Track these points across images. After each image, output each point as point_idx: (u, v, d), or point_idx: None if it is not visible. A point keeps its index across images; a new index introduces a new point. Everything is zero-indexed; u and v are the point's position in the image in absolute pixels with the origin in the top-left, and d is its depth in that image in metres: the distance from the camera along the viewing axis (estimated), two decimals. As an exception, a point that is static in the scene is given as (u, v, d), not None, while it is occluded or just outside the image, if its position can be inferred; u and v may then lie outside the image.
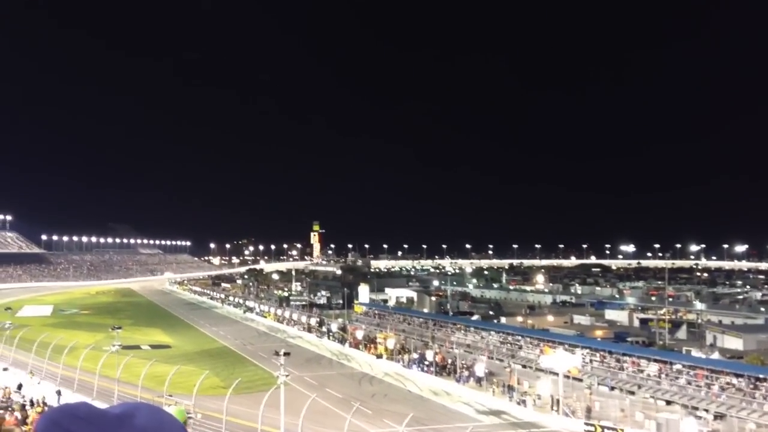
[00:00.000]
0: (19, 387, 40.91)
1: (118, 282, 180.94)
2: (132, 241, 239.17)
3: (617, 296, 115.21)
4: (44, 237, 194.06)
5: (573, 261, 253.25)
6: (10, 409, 24.26)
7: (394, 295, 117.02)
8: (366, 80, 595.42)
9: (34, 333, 56.82)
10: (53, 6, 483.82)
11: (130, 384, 42.50)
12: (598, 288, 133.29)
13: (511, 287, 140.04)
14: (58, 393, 41.10)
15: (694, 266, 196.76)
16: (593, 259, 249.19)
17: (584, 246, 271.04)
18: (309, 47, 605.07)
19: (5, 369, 47.52)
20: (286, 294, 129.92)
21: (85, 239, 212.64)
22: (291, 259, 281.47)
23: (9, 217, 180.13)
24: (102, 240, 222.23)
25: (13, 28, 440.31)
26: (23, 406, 28.22)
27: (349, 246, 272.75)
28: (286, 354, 43.22)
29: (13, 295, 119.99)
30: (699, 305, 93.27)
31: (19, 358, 50.93)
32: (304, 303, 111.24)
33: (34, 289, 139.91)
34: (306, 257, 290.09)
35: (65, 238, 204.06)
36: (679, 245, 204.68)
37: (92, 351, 49.96)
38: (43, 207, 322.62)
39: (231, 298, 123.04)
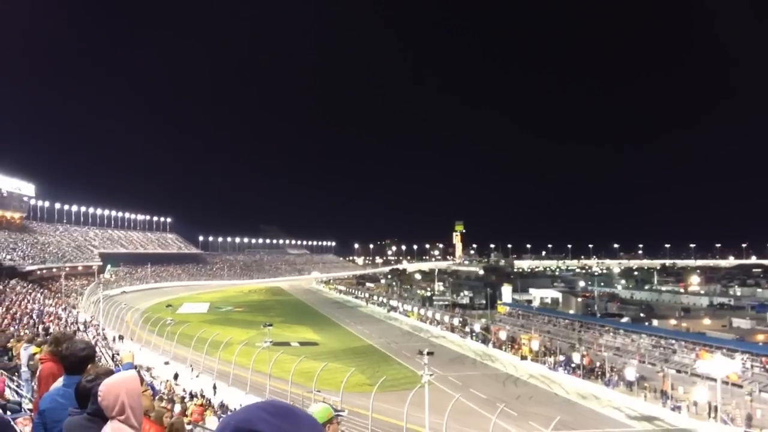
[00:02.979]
0: (176, 377, 43.60)
1: (268, 281, 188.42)
2: (281, 241, 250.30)
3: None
4: (201, 238, 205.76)
5: (731, 261, 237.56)
6: (172, 401, 25.72)
7: (538, 295, 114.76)
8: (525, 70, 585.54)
9: (192, 329, 59.96)
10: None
11: (280, 379, 44.10)
12: (759, 290, 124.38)
13: (663, 288, 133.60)
14: (214, 387, 43.39)
15: None
16: (754, 259, 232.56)
17: (744, 245, 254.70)
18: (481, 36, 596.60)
19: (167, 363, 50.72)
20: (428, 294, 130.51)
21: (237, 240, 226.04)
22: (433, 259, 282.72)
23: (170, 220, 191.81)
24: (253, 241, 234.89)
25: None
26: (183, 399, 29.92)
27: (492, 246, 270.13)
28: (430, 353, 43.31)
29: (174, 293, 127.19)
30: None
31: (179, 353, 54.20)
32: (446, 303, 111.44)
33: (192, 288, 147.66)
34: (448, 257, 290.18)
35: (220, 239, 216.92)
36: None
37: (245, 347, 52.30)
38: (200, 209, 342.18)
39: (375, 298, 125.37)
